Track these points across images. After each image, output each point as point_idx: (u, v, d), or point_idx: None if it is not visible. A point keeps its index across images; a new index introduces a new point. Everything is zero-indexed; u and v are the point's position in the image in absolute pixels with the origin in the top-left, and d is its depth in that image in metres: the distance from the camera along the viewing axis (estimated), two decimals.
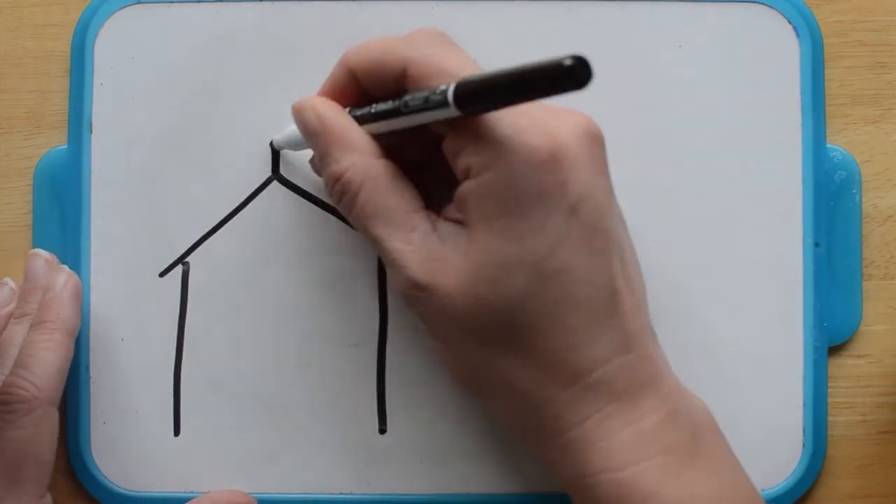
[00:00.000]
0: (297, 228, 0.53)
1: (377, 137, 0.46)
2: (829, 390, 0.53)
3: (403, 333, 0.53)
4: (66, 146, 0.54)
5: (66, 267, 0.52)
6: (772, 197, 0.53)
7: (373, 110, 0.45)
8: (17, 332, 0.51)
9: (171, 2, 0.53)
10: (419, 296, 0.44)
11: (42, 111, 0.55)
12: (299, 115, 0.47)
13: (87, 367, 0.53)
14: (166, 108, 0.53)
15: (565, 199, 0.42)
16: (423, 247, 0.43)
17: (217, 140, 0.53)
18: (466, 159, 0.42)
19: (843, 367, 0.54)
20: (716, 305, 0.53)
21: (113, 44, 0.53)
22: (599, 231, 0.43)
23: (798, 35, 0.53)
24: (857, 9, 0.54)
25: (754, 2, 0.53)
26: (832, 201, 0.54)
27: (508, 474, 0.53)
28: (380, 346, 0.53)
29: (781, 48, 0.53)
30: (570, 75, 0.36)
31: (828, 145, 0.54)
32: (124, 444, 0.53)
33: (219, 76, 0.53)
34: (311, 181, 0.53)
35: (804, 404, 0.53)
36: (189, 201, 0.53)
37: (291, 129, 0.50)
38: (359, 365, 0.53)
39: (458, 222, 0.44)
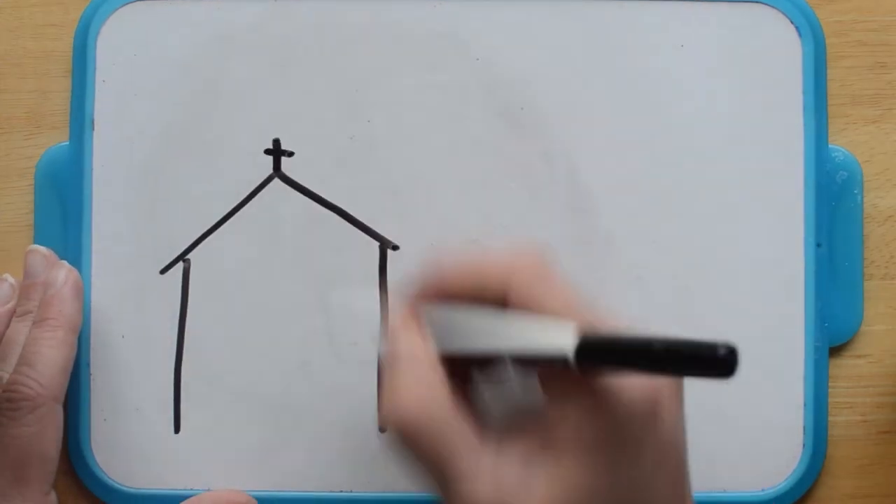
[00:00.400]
0: (298, 226, 0.53)
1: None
2: (830, 390, 0.53)
3: None
4: (67, 143, 0.54)
5: (65, 262, 0.52)
6: (773, 197, 0.53)
7: (470, 351, 0.41)
8: (20, 329, 0.51)
9: None
10: None
11: (42, 111, 0.55)
12: (391, 324, 0.44)
13: (88, 365, 0.53)
14: (168, 105, 0.53)
15: (654, 444, 0.40)
16: (493, 472, 0.40)
17: (218, 137, 0.53)
18: (559, 389, 0.40)
19: (843, 367, 0.54)
20: (716, 305, 0.53)
21: (115, 41, 0.53)
22: (679, 479, 0.42)
23: (800, 35, 0.53)
24: (858, 9, 0.55)
25: (756, 2, 0.53)
26: (833, 202, 0.54)
27: None
28: (380, 345, 0.53)
29: (783, 48, 0.53)
30: (721, 364, 0.34)
31: (829, 146, 0.54)
32: (125, 441, 0.53)
33: (220, 73, 0.53)
34: (312, 179, 0.53)
35: (805, 404, 0.53)
36: (190, 198, 0.53)
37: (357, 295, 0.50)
38: (359, 364, 0.53)
39: (534, 451, 0.41)
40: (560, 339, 0.38)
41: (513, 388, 0.41)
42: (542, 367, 0.40)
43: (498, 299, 0.41)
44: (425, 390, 0.41)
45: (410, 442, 0.40)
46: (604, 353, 0.37)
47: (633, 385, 0.39)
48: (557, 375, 0.40)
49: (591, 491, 0.40)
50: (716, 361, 0.34)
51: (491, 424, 0.41)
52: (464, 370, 0.43)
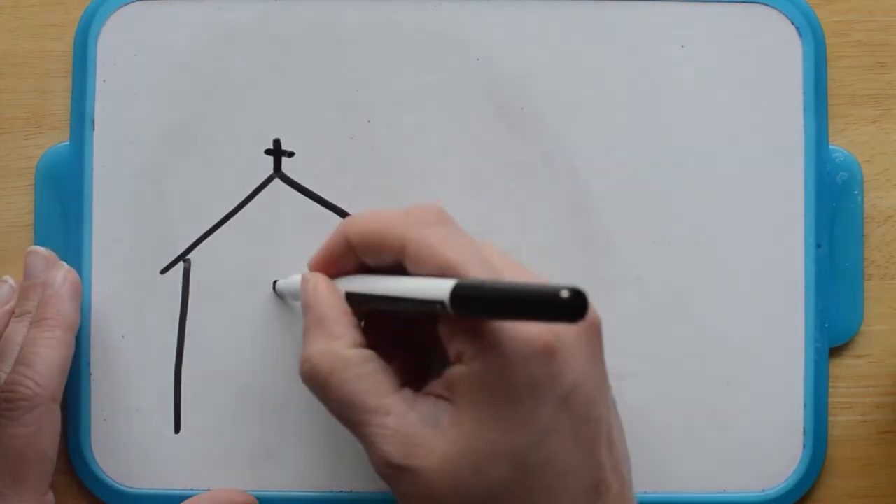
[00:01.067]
0: (298, 226, 0.53)
1: (367, 301, 0.46)
2: (830, 390, 0.53)
3: None
4: (67, 143, 0.54)
5: (64, 263, 0.52)
6: (773, 198, 0.53)
7: (369, 294, 0.45)
8: (18, 329, 0.51)
9: None
10: (397, 476, 0.43)
11: (42, 111, 0.55)
12: (302, 285, 0.47)
13: (88, 364, 0.53)
14: (168, 105, 0.53)
15: (557, 390, 0.41)
16: (399, 429, 0.42)
17: (219, 137, 0.53)
18: (460, 345, 0.42)
19: (843, 367, 0.54)
20: (717, 305, 0.53)
21: (115, 41, 0.53)
22: (589, 420, 0.42)
23: (800, 35, 0.53)
24: (857, 9, 0.55)
25: (757, 2, 0.53)
26: (834, 202, 0.54)
27: None
28: None
29: (784, 48, 0.53)
30: (565, 307, 0.36)
31: (829, 146, 0.54)
32: (124, 441, 0.53)
33: (221, 74, 0.53)
34: (312, 179, 0.53)
35: (805, 404, 0.53)
36: (191, 198, 0.53)
37: (293, 279, 0.51)
38: None
39: (441, 398, 0.43)
40: (439, 287, 0.40)
41: None
42: (444, 323, 0.43)
43: (396, 251, 0.44)
44: (331, 344, 0.44)
45: (316, 391, 0.44)
46: (474, 301, 0.39)
47: (523, 329, 0.41)
48: (455, 325, 0.42)
49: (490, 445, 0.41)
50: (560, 304, 0.36)
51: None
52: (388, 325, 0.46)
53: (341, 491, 0.53)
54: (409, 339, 0.47)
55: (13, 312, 0.52)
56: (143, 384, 0.53)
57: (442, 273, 0.42)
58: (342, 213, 0.53)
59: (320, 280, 0.47)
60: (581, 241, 0.53)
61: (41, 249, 0.53)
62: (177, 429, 0.53)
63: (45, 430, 0.49)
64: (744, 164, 0.53)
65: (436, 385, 0.43)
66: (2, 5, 0.55)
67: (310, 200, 0.53)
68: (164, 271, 0.53)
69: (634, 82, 0.53)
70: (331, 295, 0.46)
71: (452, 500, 0.42)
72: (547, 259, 0.53)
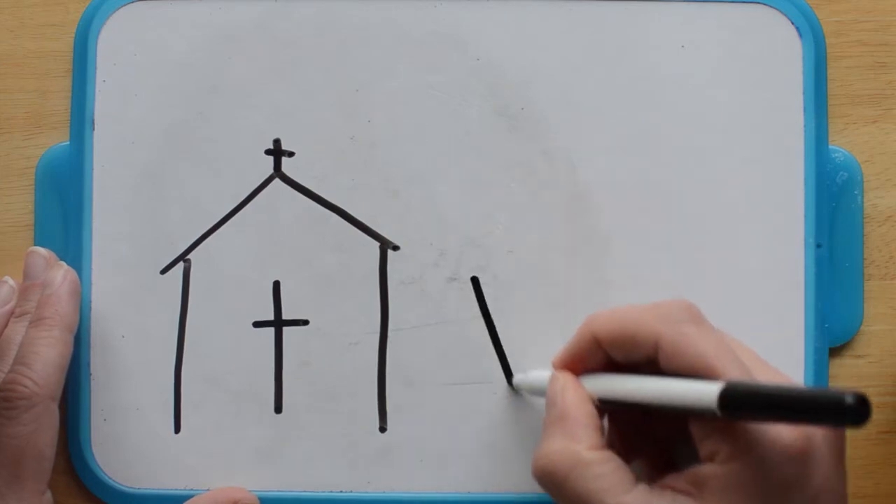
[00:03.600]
0: (298, 226, 0.53)
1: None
2: None
3: (403, 333, 0.53)
4: (67, 143, 0.54)
5: (64, 263, 0.52)
6: (773, 197, 0.53)
7: (623, 399, 0.45)
8: (17, 329, 0.51)
9: None
10: None
11: (42, 111, 0.55)
12: (550, 383, 0.47)
13: (88, 364, 0.53)
14: (168, 105, 0.53)
15: (806, 492, 0.41)
16: None
17: (219, 137, 0.53)
18: (715, 445, 0.42)
19: (843, 367, 0.54)
20: (716, 305, 0.53)
21: (115, 41, 0.53)
22: None
23: (800, 35, 0.53)
24: (857, 9, 0.55)
25: (756, 2, 0.53)
26: (833, 202, 0.54)
27: (508, 474, 0.53)
28: (380, 345, 0.53)
29: (784, 49, 0.53)
30: (849, 412, 0.36)
31: (829, 146, 0.54)
32: (125, 441, 0.53)
33: (221, 74, 0.53)
34: (312, 179, 0.53)
35: None
36: (191, 199, 0.53)
37: (535, 375, 0.51)
38: (359, 364, 0.53)
39: (682, 493, 0.42)
40: (705, 390, 0.40)
41: None
42: (694, 417, 0.42)
43: (649, 348, 0.44)
44: (572, 443, 0.44)
45: (550, 487, 0.45)
46: (745, 404, 0.39)
47: (783, 431, 0.41)
48: (709, 424, 0.42)
49: None
50: (844, 410, 0.36)
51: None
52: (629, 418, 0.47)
53: (341, 491, 0.53)
54: (649, 431, 0.47)
55: (13, 312, 0.52)
56: (143, 384, 0.53)
57: (698, 372, 0.42)
58: (342, 213, 0.53)
59: (569, 381, 0.47)
60: (581, 241, 0.53)
61: (41, 250, 0.53)
62: (177, 429, 0.53)
63: (43, 429, 0.49)
64: (744, 164, 0.53)
65: (677, 479, 0.43)
66: (2, 5, 0.55)
67: (310, 200, 0.53)
68: (164, 271, 0.53)
69: (635, 82, 0.53)
70: (577, 395, 0.46)
71: None
72: (547, 259, 0.53)
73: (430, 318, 0.53)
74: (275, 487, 0.53)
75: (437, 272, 0.53)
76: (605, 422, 0.47)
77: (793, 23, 0.53)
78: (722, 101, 0.53)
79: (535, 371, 0.51)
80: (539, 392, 0.50)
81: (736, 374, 0.41)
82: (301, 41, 0.54)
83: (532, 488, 0.53)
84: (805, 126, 0.53)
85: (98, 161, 0.53)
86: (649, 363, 0.44)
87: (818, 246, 0.53)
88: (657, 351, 0.43)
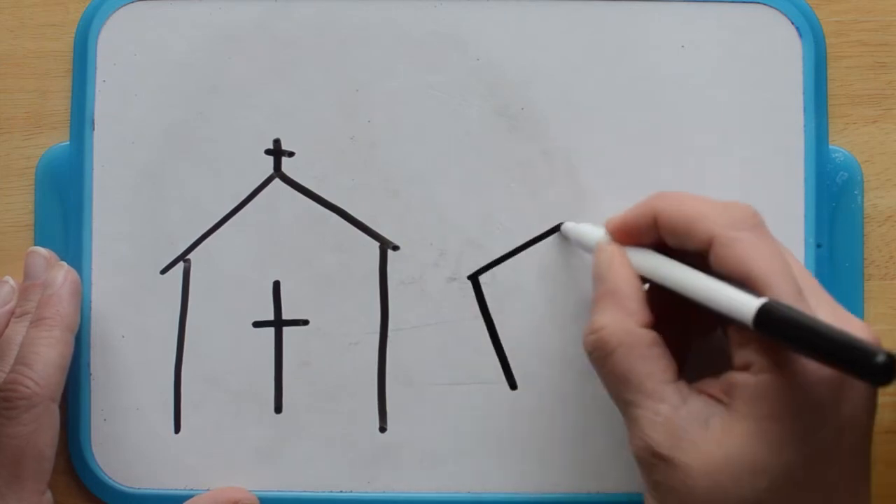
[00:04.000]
0: (298, 226, 0.53)
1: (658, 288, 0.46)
2: None
3: (403, 333, 0.53)
4: (67, 143, 0.54)
5: (64, 263, 0.52)
6: (773, 197, 0.53)
7: (667, 285, 0.45)
8: (18, 330, 0.51)
9: None
10: (657, 464, 0.43)
11: (42, 111, 0.55)
12: (597, 254, 0.47)
13: (88, 364, 0.53)
14: (168, 105, 0.53)
15: (836, 418, 0.41)
16: (670, 419, 0.43)
17: (219, 137, 0.53)
18: (750, 355, 0.42)
19: None
20: None
21: (115, 41, 0.53)
22: (857, 454, 0.43)
23: (800, 35, 0.53)
24: (857, 9, 0.55)
25: (756, 2, 0.53)
26: (834, 202, 0.54)
27: (508, 474, 0.53)
28: (380, 345, 0.53)
29: (784, 49, 0.53)
30: (876, 370, 0.36)
31: (829, 146, 0.54)
32: (125, 441, 0.53)
33: (221, 74, 0.53)
34: (312, 179, 0.53)
35: None
36: (191, 199, 0.53)
37: (585, 230, 0.51)
38: (359, 364, 0.53)
39: (715, 399, 0.43)
40: (745, 303, 0.41)
41: None
42: (735, 328, 0.42)
43: (703, 243, 0.44)
44: (623, 317, 0.44)
45: (596, 361, 0.45)
46: (780, 328, 0.39)
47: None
48: (747, 333, 0.42)
49: (758, 458, 0.41)
50: (871, 367, 0.36)
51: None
52: (673, 314, 0.46)
53: (341, 491, 0.53)
54: (686, 325, 0.47)
55: (13, 313, 0.52)
56: (143, 384, 0.53)
57: (746, 282, 0.42)
58: (342, 213, 0.53)
59: (616, 253, 0.47)
60: None
61: (41, 250, 0.53)
62: (177, 429, 0.53)
63: (43, 429, 0.49)
64: (744, 164, 0.53)
65: (711, 385, 0.43)
66: (2, 5, 0.55)
67: (310, 200, 0.53)
68: (164, 271, 0.53)
69: (634, 82, 0.53)
70: (626, 269, 0.46)
71: (706, 502, 0.42)
72: (547, 259, 0.53)
73: (430, 318, 0.53)
74: (275, 487, 0.53)
75: (437, 272, 0.53)
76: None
77: (793, 23, 0.53)
78: (722, 101, 0.53)
79: (587, 225, 0.51)
80: (583, 247, 0.51)
81: (784, 290, 0.41)
82: (301, 41, 0.54)
83: (532, 488, 0.53)
84: (805, 126, 0.53)
85: (98, 161, 0.53)
86: (700, 256, 0.44)
87: (818, 246, 0.53)
88: (710, 249, 0.43)
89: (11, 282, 0.52)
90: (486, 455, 0.53)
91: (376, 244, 0.53)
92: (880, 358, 0.36)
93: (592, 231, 0.50)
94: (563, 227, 0.53)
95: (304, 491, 0.53)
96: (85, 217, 0.53)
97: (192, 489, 0.53)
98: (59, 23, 0.55)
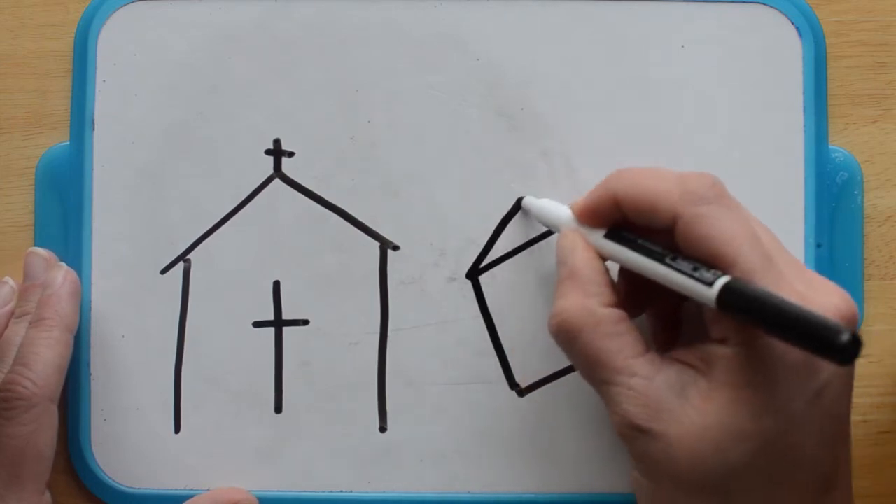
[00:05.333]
0: (298, 226, 0.53)
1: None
2: None
3: (403, 333, 0.53)
4: (67, 143, 0.54)
5: (63, 264, 0.52)
6: (773, 197, 0.53)
7: (637, 242, 0.45)
8: (17, 330, 0.51)
9: None
10: (637, 437, 0.43)
11: (42, 111, 0.55)
12: (560, 239, 0.48)
13: (88, 364, 0.53)
14: (168, 105, 0.53)
15: (812, 384, 0.41)
16: (644, 392, 0.43)
17: (219, 137, 0.53)
18: (725, 329, 0.42)
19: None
20: None
21: (115, 41, 0.53)
22: (835, 417, 0.43)
23: (800, 35, 0.53)
24: (857, 9, 0.55)
25: (756, 2, 0.53)
26: (834, 202, 0.54)
27: (507, 474, 0.53)
28: (380, 345, 0.53)
29: (784, 49, 0.53)
30: (839, 349, 0.36)
31: (829, 146, 0.54)
32: (125, 441, 0.53)
33: (221, 74, 0.53)
34: (312, 179, 0.53)
35: None
36: (191, 198, 0.53)
37: (544, 204, 0.51)
38: (359, 364, 0.53)
39: (689, 366, 0.43)
40: (706, 291, 0.41)
41: None
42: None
43: (667, 221, 0.44)
44: (584, 299, 0.45)
45: (563, 345, 0.45)
46: (742, 310, 0.40)
47: None
48: (726, 316, 0.42)
49: (739, 425, 0.41)
50: (834, 346, 0.36)
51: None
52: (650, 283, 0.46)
53: (341, 491, 0.53)
54: (658, 297, 0.47)
55: (13, 313, 0.52)
56: (143, 384, 0.53)
57: (712, 257, 0.42)
58: (342, 213, 0.53)
59: (579, 239, 0.47)
60: None
61: (41, 251, 0.53)
62: (177, 429, 0.53)
63: (42, 429, 0.49)
64: (744, 165, 0.53)
65: (686, 354, 0.44)
66: (2, 5, 0.55)
67: (310, 200, 0.53)
68: (164, 271, 0.53)
69: (635, 82, 0.53)
70: (588, 252, 0.46)
71: (688, 471, 0.42)
72: (547, 259, 0.53)
73: (430, 318, 0.53)
74: (275, 487, 0.53)
75: (437, 272, 0.53)
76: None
77: (793, 23, 0.53)
78: (722, 101, 0.53)
79: (547, 200, 0.51)
80: (544, 221, 0.51)
81: (751, 263, 0.41)
82: (301, 41, 0.54)
83: (532, 488, 0.53)
84: (805, 126, 0.53)
85: (98, 161, 0.53)
86: (666, 231, 0.44)
87: (818, 246, 0.53)
88: (674, 226, 0.44)
89: (11, 282, 0.52)
90: (486, 455, 0.53)
91: (376, 244, 0.53)
92: (844, 337, 0.36)
93: (555, 208, 0.50)
94: (524, 201, 0.53)
95: (304, 491, 0.53)
96: (85, 217, 0.53)
97: (192, 489, 0.53)
98: (59, 23, 0.55)
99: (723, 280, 0.41)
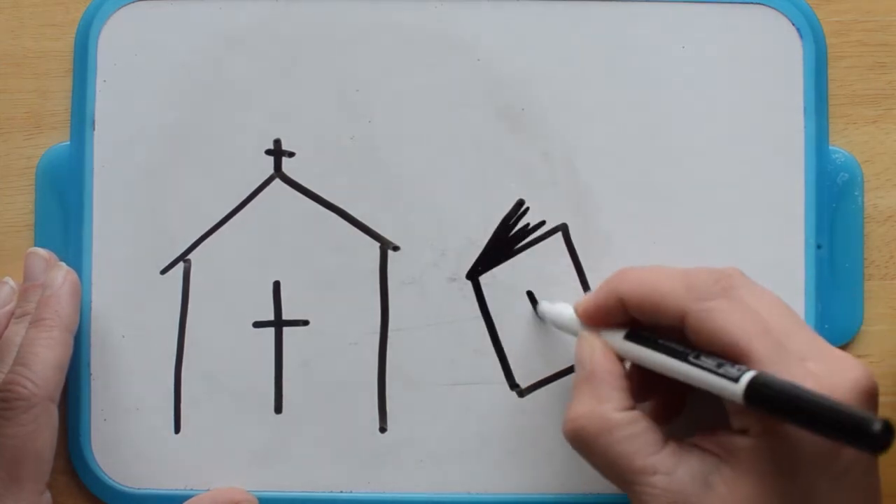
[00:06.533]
0: (298, 227, 0.53)
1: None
2: None
3: (403, 333, 0.53)
4: (67, 143, 0.54)
5: (63, 264, 0.52)
6: (774, 198, 0.53)
7: (658, 342, 0.45)
8: (17, 331, 0.51)
9: None
10: None
11: (42, 111, 0.55)
12: (578, 344, 0.48)
13: (88, 365, 0.53)
14: (169, 105, 0.53)
15: (836, 465, 0.41)
16: (668, 488, 0.43)
17: (220, 138, 0.53)
18: (747, 421, 0.42)
19: None
20: None
21: (116, 41, 0.53)
22: (864, 491, 0.43)
23: (800, 35, 0.53)
24: (857, 9, 0.55)
25: (756, 2, 0.53)
26: (834, 203, 0.54)
27: (507, 474, 0.53)
28: (380, 345, 0.53)
29: (784, 49, 0.53)
30: (871, 438, 0.36)
31: (830, 147, 0.54)
32: (125, 441, 0.53)
33: (221, 74, 0.53)
34: (312, 179, 0.53)
35: None
36: (191, 199, 0.53)
37: (560, 310, 0.50)
38: (359, 364, 0.53)
39: (712, 454, 0.43)
40: (731, 387, 0.41)
41: None
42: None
43: (675, 320, 0.44)
44: (597, 405, 0.45)
45: (581, 450, 0.45)
46: (770, 406, 0.40)
47: None
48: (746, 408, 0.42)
49: None
50: (867, 435, 0.36)
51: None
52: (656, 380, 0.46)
53: (341, 491, 0.53)
54: (669, 383, 0.47)
55: (13, 314, 0.52)
56: (144, 384, 0.53)
57: (725, 352, 0.42)
58: (342, 213, 0.53)
59: (597, 342, 0.47)
60: (581, 241, 0.53)
61: (41, 251, 0.53)
62: (177, 429, 0.53)
63: (42, 430, 0.49)
64: (744, 165, 0.53)
65: (705, 440, 0.44)
66: (2, 5, 0.55)
67: (310, 200, 0.53)
68: (164, 271, 0.53)
69: (635, 82, 0.53)
70: (606, 356, 0.46)
71: None
72: (546, 259, 0.53)
73: (430, 318, 0.53)
74: (275, 487, 0.53)
75: (437, 272, 0.53)
76: (627, 365, 0.47)
77: (793, 23, 0.53)
78: (722, 101, 0.53)
79: (562, 304, 0.51)
80: (560, 326, 0.51)
81: (764, 353, 0.41)
82: (301, 41, 0.54)
83: (532, 488, 0.53)
84: (805, 126, 0.53)
85: (98, 161, 0.53)
86: (673, 328, 0.44)
87: (818, 247, 0.53)
88: (684, 324, 0.44)
89: (11, 283, 0.52)
90: (486, 455, 0.53)
91: (376, 244, 0.53)
92: (876, 427, 0.35)
93: (567, 310, 0.50)
94: (539, 308, 0.53)
95: (304, 491, 0.53)
96: (85, 217, 0.53)
97: (192, 489, 0.53)
98: (59, 23, 0.55)
99: (748, 376, 0.40)
